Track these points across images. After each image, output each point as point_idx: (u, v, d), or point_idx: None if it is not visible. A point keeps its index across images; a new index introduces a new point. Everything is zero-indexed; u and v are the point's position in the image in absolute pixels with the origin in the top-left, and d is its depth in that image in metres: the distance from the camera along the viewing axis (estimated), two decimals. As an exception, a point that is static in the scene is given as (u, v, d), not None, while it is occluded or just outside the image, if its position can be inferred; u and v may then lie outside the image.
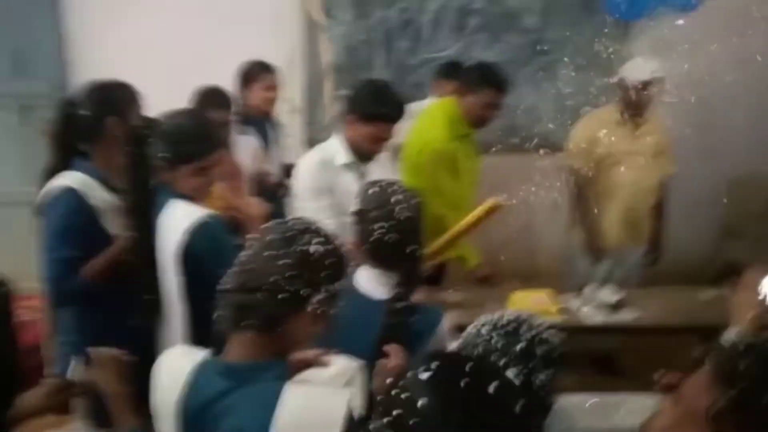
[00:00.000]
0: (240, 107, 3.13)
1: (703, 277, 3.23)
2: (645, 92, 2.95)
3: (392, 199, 1.57)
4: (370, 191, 1.63)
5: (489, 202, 2.31)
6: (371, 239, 1.57)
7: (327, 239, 1.17)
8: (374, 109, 2.24)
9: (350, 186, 2.21)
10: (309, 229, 1.17)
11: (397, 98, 2.29)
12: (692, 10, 3.63)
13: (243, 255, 1.17)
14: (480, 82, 2.77)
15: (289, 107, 3.82)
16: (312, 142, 3.92)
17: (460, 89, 2.87)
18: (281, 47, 3.72)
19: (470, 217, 2.33)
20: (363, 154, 2.32)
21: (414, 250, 1.57)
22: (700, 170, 3.69)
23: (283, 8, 3.75)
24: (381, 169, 2.37)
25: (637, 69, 2.98)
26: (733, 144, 3.87)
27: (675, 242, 3.31)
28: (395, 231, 1.55)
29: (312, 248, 1.14)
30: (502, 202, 2.31)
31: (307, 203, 2.31)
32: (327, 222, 1.95)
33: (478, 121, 2.84)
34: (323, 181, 2.30)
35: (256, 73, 3.22)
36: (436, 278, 2.97)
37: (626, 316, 2.71)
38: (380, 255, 1.59)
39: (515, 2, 3.80)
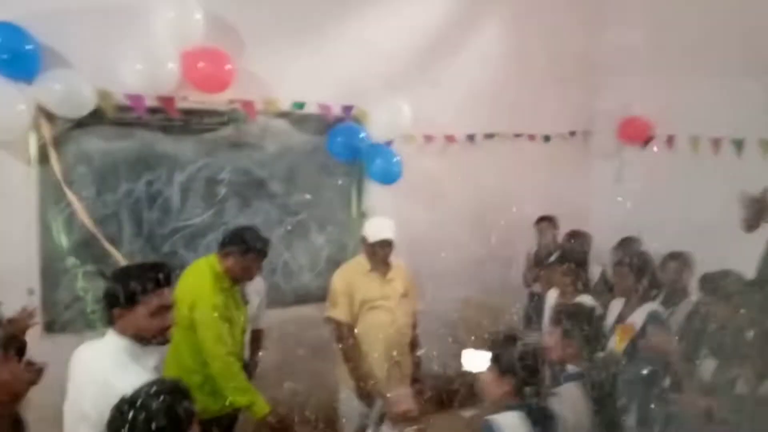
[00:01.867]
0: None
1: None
2: (384, 248, 3.41)
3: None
4: None
5: None
6: None
7: None
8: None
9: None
10: None
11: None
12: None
13: None
14: (234, 246, 3.04)
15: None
16: (50, 326, 3.54)
17: (220, 251, 3.08)
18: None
19: None
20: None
21: None
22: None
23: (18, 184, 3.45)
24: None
25: (376, 229, 3.45)
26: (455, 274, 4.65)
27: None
28: None
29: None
30: None
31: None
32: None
33: (239, 278, 3.10)
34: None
35: None
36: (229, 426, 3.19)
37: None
38: None
39: (261, 172, 4.12)
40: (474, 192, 4.82)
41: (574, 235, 4.54)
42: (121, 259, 3.58)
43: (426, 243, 4.35)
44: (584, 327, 2.59)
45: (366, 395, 3.30)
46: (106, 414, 1.62)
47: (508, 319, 4.76)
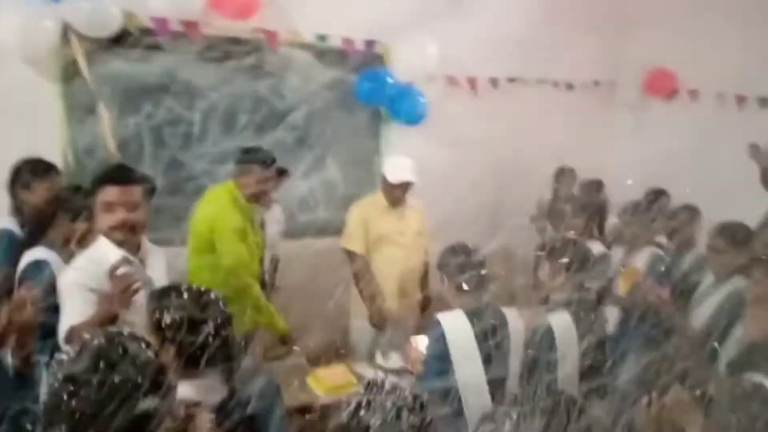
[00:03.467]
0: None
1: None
2: (403, 188, 3.44)
3: None
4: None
5: None
6: None
7: None
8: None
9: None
10: None
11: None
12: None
13: None
14: (247, 162, 3.08)
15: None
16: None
17: (234, 172, 3.13)
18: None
19: None
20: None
21: None
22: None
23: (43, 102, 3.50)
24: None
25: (396, 169, 3.45)
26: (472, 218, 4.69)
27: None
28: None
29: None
30: None
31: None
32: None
33: (255, 197, 3.12)
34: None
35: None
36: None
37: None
38: None
39: (281, 103, 4.13)
40: (494, 137, 4.79)
41: (591, 184, 4.54)
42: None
43: (444, 186, 4.37)
44: (574, 260, 2.60)
45: (378, 323, 3.41)
46: None
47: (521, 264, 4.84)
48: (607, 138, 5.32)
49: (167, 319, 1.62)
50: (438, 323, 2.39)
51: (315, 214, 4.35)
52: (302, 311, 3.56)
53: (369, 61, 4.27)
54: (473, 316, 2.39)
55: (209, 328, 1.63)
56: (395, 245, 3.49)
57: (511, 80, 4.88)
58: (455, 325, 2.36)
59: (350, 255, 3.49)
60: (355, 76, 4.26)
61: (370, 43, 4.24)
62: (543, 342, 2.42)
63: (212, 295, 1.73)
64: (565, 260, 2.59)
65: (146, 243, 2.28)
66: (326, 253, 4.01)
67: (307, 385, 2.90)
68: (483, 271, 2.46)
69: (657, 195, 4.16)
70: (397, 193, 3.47)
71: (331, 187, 4.37)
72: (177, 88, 3.81)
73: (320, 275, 4.01)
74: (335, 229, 3.83)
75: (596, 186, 4.52)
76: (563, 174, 4.79)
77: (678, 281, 3.20)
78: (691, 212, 3.67)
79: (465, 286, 2.42)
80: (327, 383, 2.85)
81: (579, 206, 3.83)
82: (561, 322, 2.46)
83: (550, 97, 5.07)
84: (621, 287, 3.12)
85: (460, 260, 2.46)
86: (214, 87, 3.91)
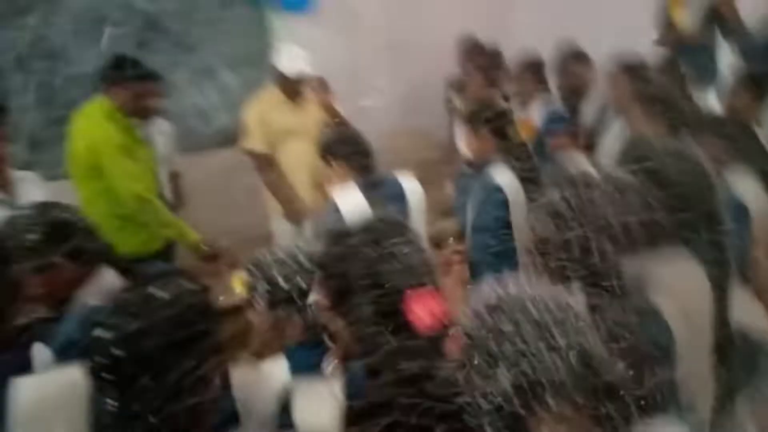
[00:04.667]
0: None
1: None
2: (298, 79, 3.27)
3: None
4: None
5: None
6: None
7: None
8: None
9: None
10: None
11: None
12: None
13: None
14: (120, 76, 2.78)
15: None
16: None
17: (108, 83, 2.81)
18: None
19: None
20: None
21: None
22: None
23: None
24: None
25: (288, 60, 3.28)
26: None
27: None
28: None
29: None
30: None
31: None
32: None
33: (136, 111, 2.84)
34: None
35: None
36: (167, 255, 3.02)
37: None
38: None
39: (150, 6, 3.76)
40: (391, 16, 4.60)
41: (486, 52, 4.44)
42: None
43: (346, 74, 4.20)
44: (492, 121, 2.60)
45: (295, 217, 3.35)
46: None
47: (438, 142, 4.81)
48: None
49: None
50: (332, 201, 2.34)
51: (214, 123, 4.12)
52: (217, 226, 3.42)
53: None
54: (367, 189, 2.34)
55: None
56: (299, 138, 3.35)
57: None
58: (350, 199, 2.32)
59: (252, 155, 3.35)
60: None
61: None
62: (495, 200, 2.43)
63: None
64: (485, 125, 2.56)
65: (14, 175, 2.08)
66: (233, 162, 3.83)
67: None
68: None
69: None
70: (293, 86, 3.29)
71: (227, 92, 4.12)
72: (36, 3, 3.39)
73: (231, 187, 3.86)
74: (239, 137, 3.64)
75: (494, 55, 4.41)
76: (471, 51, 4.65)
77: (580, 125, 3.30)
78: (583, 59, 3.71)
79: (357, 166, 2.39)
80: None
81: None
82: (509, 181, 2.44)
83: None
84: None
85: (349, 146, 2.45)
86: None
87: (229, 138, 4.07)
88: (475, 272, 2.39)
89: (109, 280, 1.57)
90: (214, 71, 4.05)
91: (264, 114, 3.32)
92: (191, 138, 3.85)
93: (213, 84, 4.07)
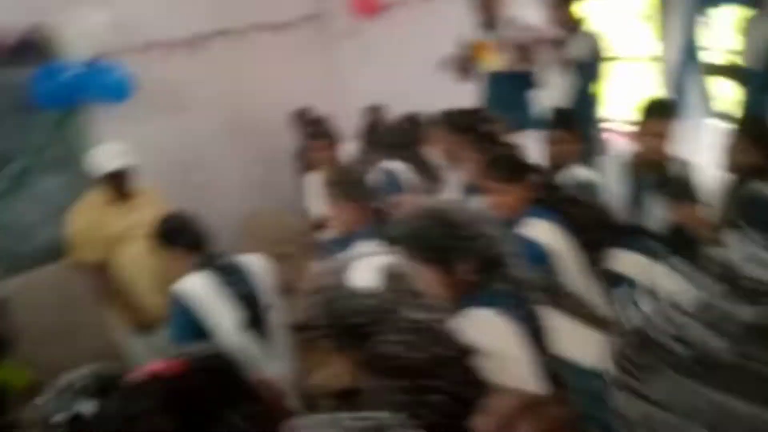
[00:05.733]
0: None
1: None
2: (118, 177, 3.09)
3: None
4: None
5: None
6: None
7: None
8: None
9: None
10: None
11: None
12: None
13: None
14: None
15: None
16: None
17: None
18: None
19: None
20: None
21: None
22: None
23: None
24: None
25: (102, 159, 3.10)
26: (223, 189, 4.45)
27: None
28: None
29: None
30: None
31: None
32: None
33: None
34: None
35: None
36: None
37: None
38: None
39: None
40: (221, 96, 4.54)
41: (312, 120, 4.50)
42: None
43: (181, 160, 4.06)
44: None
45: (144, 324, 3.11)
46: None
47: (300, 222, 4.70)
48: (332, 71, 5.30)
49: None
50: (175, 295, 2.25)
51: (38, 238, 3.75)
52: (56, 353, 3.07)
53: (32, 50, 3.66)
54: (209, 271, 2.29)
55: None
56: (132, 241, 3.13)
57: (220, 33, 4.59)
58: (194, 285, 2.25)
59: (83, 267, 3.11)
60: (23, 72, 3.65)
61: (28, 31, 3.64)
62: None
63: None
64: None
65: None
66: (67, 277, 3.48)
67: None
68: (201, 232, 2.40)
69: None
70: (115, 185, 3.10)
71: (50, 201, 3.77)
72: None
73: (68, 305, 3.50)
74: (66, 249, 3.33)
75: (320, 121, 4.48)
76: (301, 118, 4.70)
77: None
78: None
79: (188, 249, 2.35)
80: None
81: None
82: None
83: (264, 43, 4.87)
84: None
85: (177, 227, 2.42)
86: None
87: (57, 251, 3.73)
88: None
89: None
90: (33, 180, 3.73)
91: (89, 220, 3.11)
92: (12, 258, 3.46)
93: (32, 195, 3.73)
